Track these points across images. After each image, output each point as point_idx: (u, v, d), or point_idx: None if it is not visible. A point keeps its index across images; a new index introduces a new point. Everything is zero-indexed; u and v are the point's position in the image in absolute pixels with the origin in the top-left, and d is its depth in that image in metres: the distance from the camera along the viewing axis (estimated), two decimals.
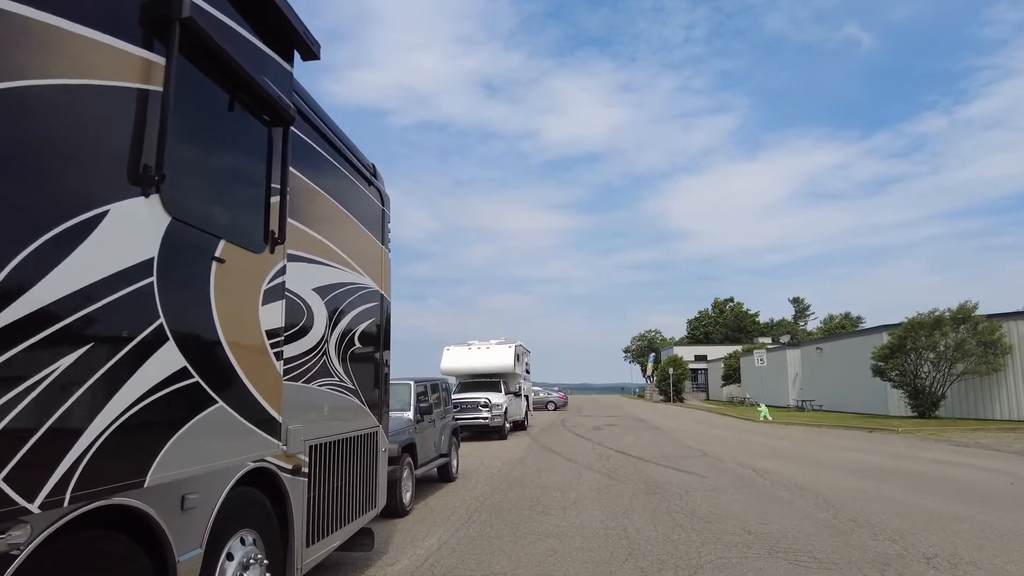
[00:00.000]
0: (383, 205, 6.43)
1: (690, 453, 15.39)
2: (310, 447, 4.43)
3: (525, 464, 13.56)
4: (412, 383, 9.83)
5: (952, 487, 9.92)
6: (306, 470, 4.36)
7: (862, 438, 20.04)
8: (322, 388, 4.67)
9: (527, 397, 26.15)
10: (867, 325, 63.12)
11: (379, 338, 6.10)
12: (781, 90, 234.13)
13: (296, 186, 4.22)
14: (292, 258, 4.05)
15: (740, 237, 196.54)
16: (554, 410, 43.46)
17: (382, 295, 6.20)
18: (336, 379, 4.96)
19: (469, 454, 15.76)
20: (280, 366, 3.68)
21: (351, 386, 5.31)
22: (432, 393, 10.65)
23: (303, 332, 4.33)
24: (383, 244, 6.35)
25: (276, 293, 3.65)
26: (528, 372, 27.28)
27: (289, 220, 4.11)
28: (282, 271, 3.76)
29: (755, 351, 38.64)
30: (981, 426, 22.68)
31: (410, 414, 9.40)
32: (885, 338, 28.58)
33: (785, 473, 11.69)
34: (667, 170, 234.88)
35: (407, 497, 8.39)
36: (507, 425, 21.03)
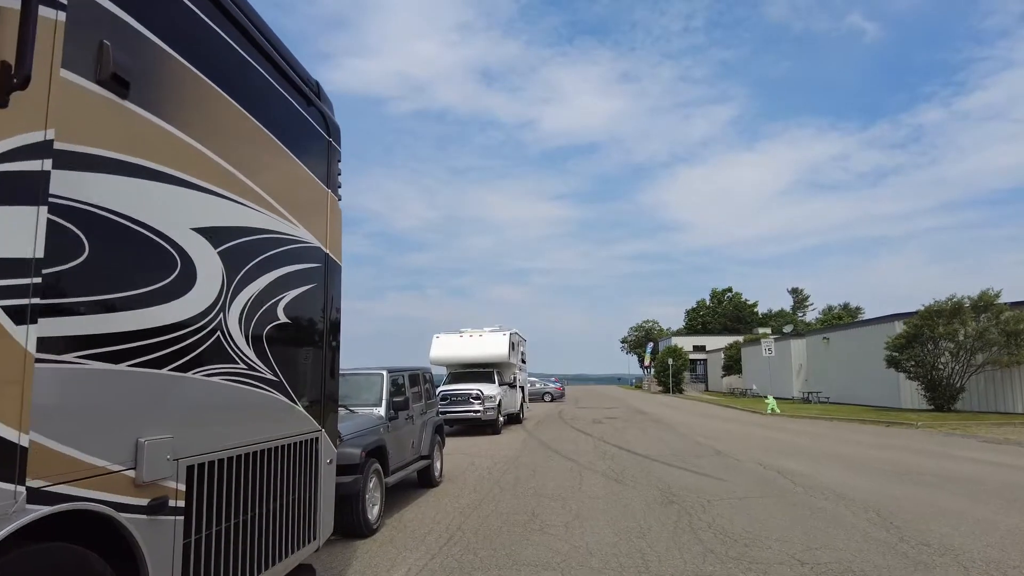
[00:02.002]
0: (329, 136, 4.87)
1: (702, 451, 13.92)
2: (187, 468, 2.90)
3: (520, 464, 12.07)
4: (385, 373, 8.26)
5: (1020, 494, 8.46)
6: (180, 504, 2.83)
7: (881, 433, 18.64)
8: (213, 379, 3.13)
9: (523, 388, 24.66)
10: (867, 316, 61.91)
11: (322, 312, 4.56)
12: (781, 80, 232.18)
13: (150, 53, 2.67)
14: (125, 168, 2.50)
15: (739, 228, 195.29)
16: (551, 401, 42.06)
17: (327, 256, 4.66)
18: (243, 367, 3.42)
19: (458, 452, 14.26)
20: (24, 336, 2.03)
21: (271, 377, 3.77)
22: (411, 385, 9.11)
23: (170, 293, 2.79)
24: (330, 188, 4.79)
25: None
26: (524, 362, 25.77)
27: (136, 109, 2.55)
28: (34, 150, 2.08)
29: (763, 340, 37.22)
30: (1005, 420, 21.30)
31: (381, 410, 7.85)
32: (898, 327, 27.17)
33: (816, 476, 10.22)
34: (666, 160, 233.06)
35: (374, 512, 6.88)
36: (501, 419, 19.54)
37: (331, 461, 4.68)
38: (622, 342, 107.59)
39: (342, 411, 7.66)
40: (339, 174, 5.02)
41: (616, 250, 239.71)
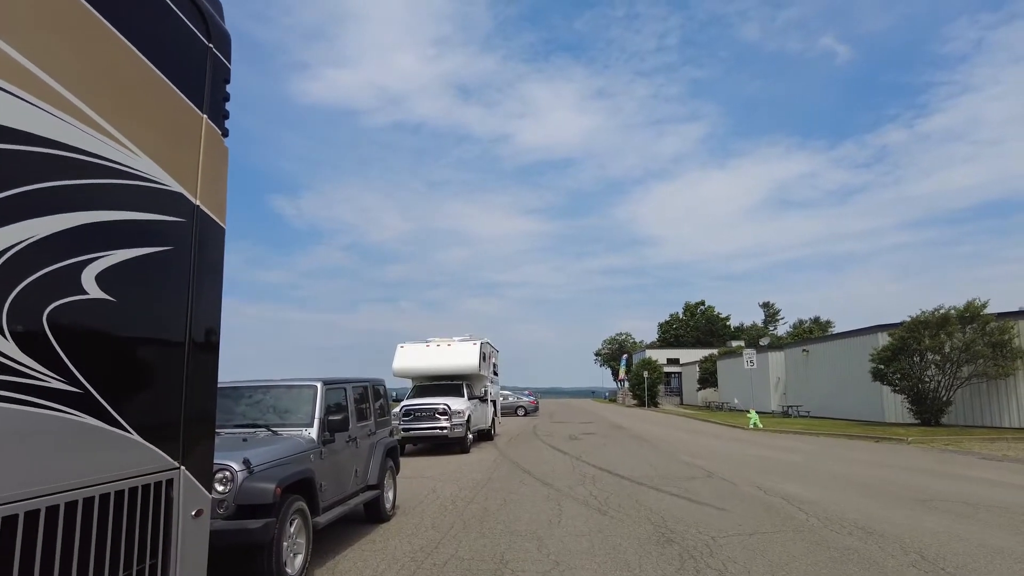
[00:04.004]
0: (210, 42, 3.38)
1: (691, 472, 12.55)
2: None
3: (489, 490, 10.54)
4: (319, 385, 6.69)
5: None
6: None
7: (874, 449, 17.55)
8: None
9: (494, 402, 23.11)
10: (837, 330, 61.76)
11: (182, 291, 3.04)
12: (751, 99, 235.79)
13: None
14: None
15: (711, 243, 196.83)
16: (524, 415, 40.48)
17: (197, 209, 3.15)
18: None
19: (418, 475, 12.68)
20: None
21: (66, 388, 2.28)
22: (356, 400, 7.55)
23: None
24: (207, 115, 3.30)
25: None
26: (496, 374, 24.25)
27: None
28: None
29: (744, 352, 36.17)
30: (996, 435, 20.41)
31: (312, 432, 6.28)
32: (881, 339, 26.33)
33: (827, 503, 8.90)
34: (640, 176, 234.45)
35: (296, 564, 5.33)
36: (470, 436, 17.96)
37: (199, 512, 3.14)
38: (596, 355, 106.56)
39: (263, 433, 6.10)
40: (226, 100, 3.53)
41: (590, 264, 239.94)
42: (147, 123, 2.82)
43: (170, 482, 2.91)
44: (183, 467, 3.00)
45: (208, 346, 3.24)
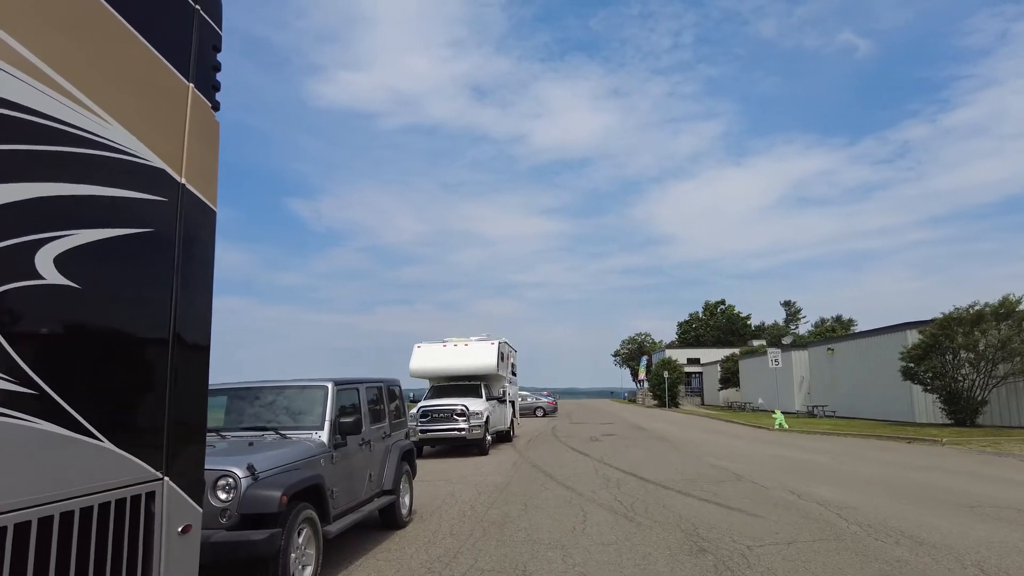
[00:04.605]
0: (196, 3, 3.04)
1: (719, 475, 12.07)
2: None
3: (509, 495, 10.16)
4: (330, 385, 6.36)
5: None
6: None
7: (907, 451, 16.88)
8: None
9: (513, 403, 22.72)
10: (859, 329, 60.49)
11: (164, 280, 2.70)
12: (768, 96, 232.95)
13: None
14: None
15: (728, 241, 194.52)
16: (543, 416, 40.04)
17: (183, 188, 2.81)
18: None
19: (436, 477, 12.34)
20: None
21: (20, 390, 1.94)
22: (369, 401, 7.21)
23: None
24: (194, 83, 2.96)
25: None
26: (515, 374, 23.86)
27: None
28: None
29: (769, 351, 35.40)
30: None
31: (323, 435, 5.94)
32: (911, 337, 25.54)
33: (866, 509, 8.40)
34: (656, 175, 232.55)
35: (307, 575, 4.98)
36: (488, 438, 17.59)
37: (187, 528, 2.80)
38: (614, 355, 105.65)
39: (270, 436, 5.78)
40: (217, 69, 3.19)
41: (606, 264, 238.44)
42: (119, 88, 2.48)
43: (151, 495, 2.57)
44: (167, 478, 2.66)
45: (197, 341, 2.90)
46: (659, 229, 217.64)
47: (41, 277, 2.07)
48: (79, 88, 2.26)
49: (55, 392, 2.09)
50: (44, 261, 2.08)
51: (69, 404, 2.14)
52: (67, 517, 2.14)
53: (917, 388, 24.37)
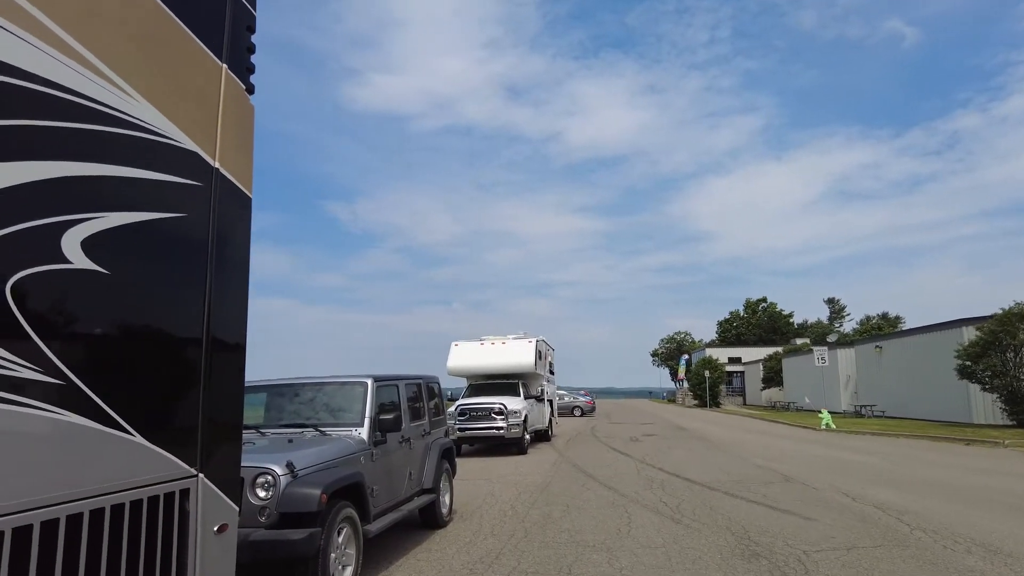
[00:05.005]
0: None
1: (767, 476, 11.65)
2: None
3: (550, 495, 9.96)
4: (370, 381, 6.26)
5: None
6: None
7: (966, 453, 16.11)
8: None
9: (551, 402, 22.50)
10: (907, 326, 58.46)
11: (196, 267, 2.59)
12: (808, 88, 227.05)
13: None
14: None
15: (768, 238, 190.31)
16: (580, 416, 39.70)
17: (216, 172, 2.70)
18: None
19: (476, 476, 12.22)
20: None
21: (49, 380, 1.84)
22: (409, 398, 7.10)
23: None
24: (227, 64, 2.85)
25: None
26: (552, 372, 23.64)
27: None
28: None
29: (815, 349, 34.46)
30: None
31: (363, 432, 5.84)
32: (966, 333, 24.49)
33: (929, 514, 7.95)
34: (693, 171, 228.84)
35: None
36: (527, 437, 17.41)
37: (223, 527, 2.68)
38: (653, 355, 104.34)
39: (310, 433, 5.70)
40: (251, 51, 3.07)
41: (643, 262, 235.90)
42: (148, 65, 2.37)
43: (185, 492, 2.45)
44: (202, 475, 2.54)
45: (232, 331, 2.79)
46: (696, 226, 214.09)
47: (68, 261, 1.96)
48: (106, 63, 2.15)
49: (83, 383, 1.98)
50: (71, 244, 1.97)
51: (98, 396, 2.03)
52: (97, 515, 2.03)
53: (974, 387, 23.33)
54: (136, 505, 2.19)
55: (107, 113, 2.15)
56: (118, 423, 2.11)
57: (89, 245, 2.03)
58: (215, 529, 2.62)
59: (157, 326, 2.37)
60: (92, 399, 2.01)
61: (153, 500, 2.27)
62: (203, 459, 2.55)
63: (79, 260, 1.99)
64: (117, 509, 2.10)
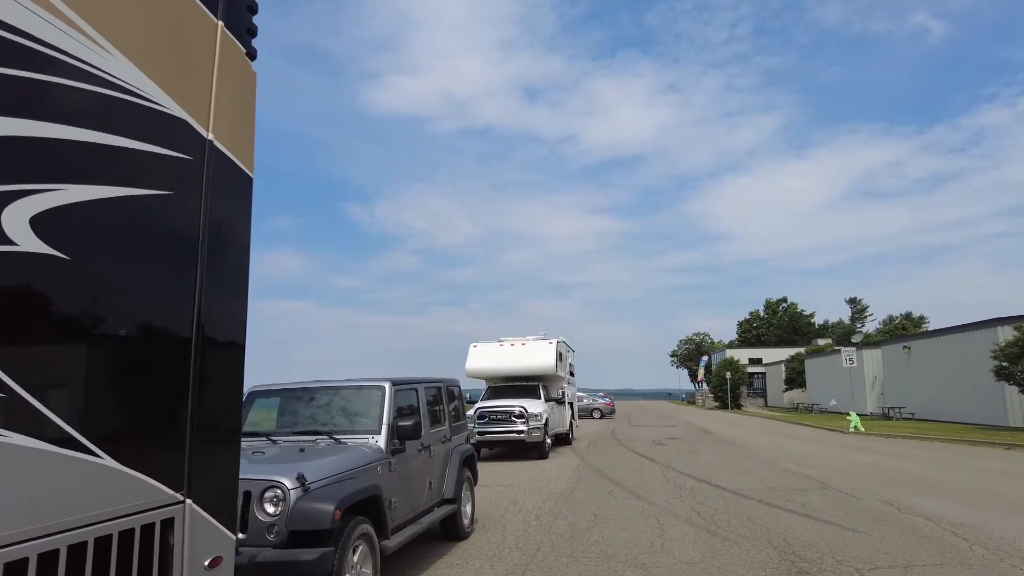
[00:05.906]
0: None
1: (801, 483, 11.11)
2: None
3: (575, 503, 9.51)
4: (387, 385, 5.85)
5: None
6: None
7: (1011, 458, 15.37)
8: None
9: (572, 404, 22.02)
10: (932, 326, 57.05)
11: (185, 253, 2.20)
12: (829, 85, 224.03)
13: None
14: None
15: (788, 237, 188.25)
16: (600, 418, 39.11)
17: (210, 145, 2.31)
18: None
19: (496, 483, 11.79)
20: None
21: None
22: (428, 403, 6.69)
23: None
24: (223, 21, 2.46)
25: None
26: (573, 375, 23.16)
27: None
28: None
29: (843, 350, 33.58)
30: None
31: (380, 440, 5.44)
32: (1002, 333, 23.59)
33: (986, 527, 7.39)
34: (712, 170, 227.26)
35: None
36: (548, 440, 16.96)
37: (216, 561, 2.28)
38: (672, 356, 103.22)
39: (324, 441, 5.31)
40: (252, 10, 2.69)
41: (661, 262, 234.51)
42: (125, 11, 1.98)
43: (168, 522, 2.05)
44: (189, 500, 2.14)
45: (227, 332, 2.39)
46: (716, 226, 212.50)
47: (11, 242, 1.57)
48: (69, 4, 1.77)
49: (28, 393, 1.59)
50: (15, 221, 1.58)
51: (50, 409, 1.64)
52: (48, 558, 1.63)
53: (1011, 389, 22.47)
54: (103, 542, 1.80)
55: (69, 64, 1.76)
56: (78, 443, 1.72)
57: (42, 223, 1.65)
58: (206, 564, 2.23)
59: (131, 324, 1.98)
60: (41, 412, 1.62)
61: (126, 535, 1.88)
62: (191, 481, 2.16)
63: (26, 242, 1.61)
64: (76, 549, 1.71)
